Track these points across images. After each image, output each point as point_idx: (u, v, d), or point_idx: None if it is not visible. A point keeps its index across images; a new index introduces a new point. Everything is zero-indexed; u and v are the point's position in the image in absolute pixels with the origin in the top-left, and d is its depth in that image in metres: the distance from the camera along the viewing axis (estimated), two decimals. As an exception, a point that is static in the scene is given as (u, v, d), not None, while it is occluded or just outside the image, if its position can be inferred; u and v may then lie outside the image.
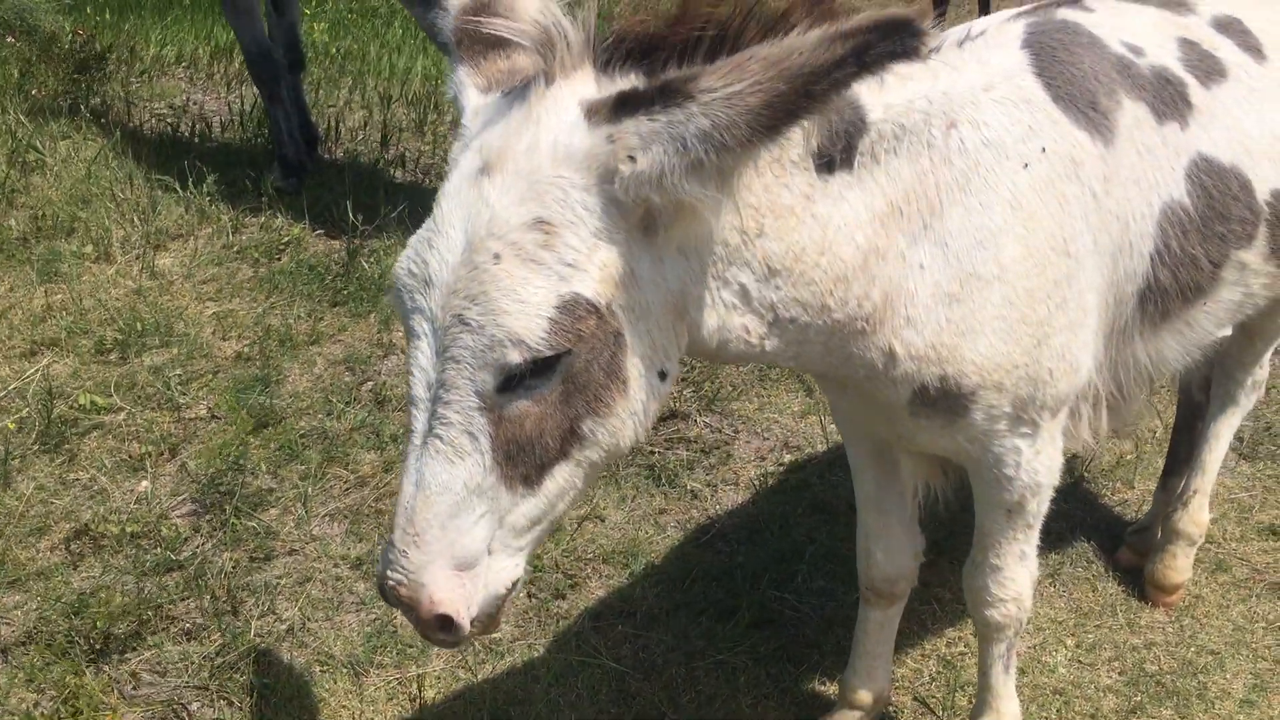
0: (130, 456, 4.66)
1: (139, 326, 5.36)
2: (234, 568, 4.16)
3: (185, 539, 4.27)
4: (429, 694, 3.74)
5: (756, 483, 4.70)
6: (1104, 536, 4.44)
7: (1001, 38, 2.71)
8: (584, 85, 2.06)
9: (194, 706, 3.66)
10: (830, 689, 3.76)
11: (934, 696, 3.78)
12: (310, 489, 4.52)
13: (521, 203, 2.00)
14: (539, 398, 2.05)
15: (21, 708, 3.51)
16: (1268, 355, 3.90)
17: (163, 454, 4.69)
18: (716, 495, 4.66)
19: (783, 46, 1.92)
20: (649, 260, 2.12)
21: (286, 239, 6.22)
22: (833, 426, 4.99)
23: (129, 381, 5.06)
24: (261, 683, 3.73)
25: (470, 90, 2.20)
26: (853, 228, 2.32)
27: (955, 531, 4.25)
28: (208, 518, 4.39)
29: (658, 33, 2.08)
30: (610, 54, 2.08)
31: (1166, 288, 2.79)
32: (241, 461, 4.61)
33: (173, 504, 4.45)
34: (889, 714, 3.64)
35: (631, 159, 1.97)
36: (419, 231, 2.11)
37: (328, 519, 4.45)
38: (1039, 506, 2.91)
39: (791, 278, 2.29)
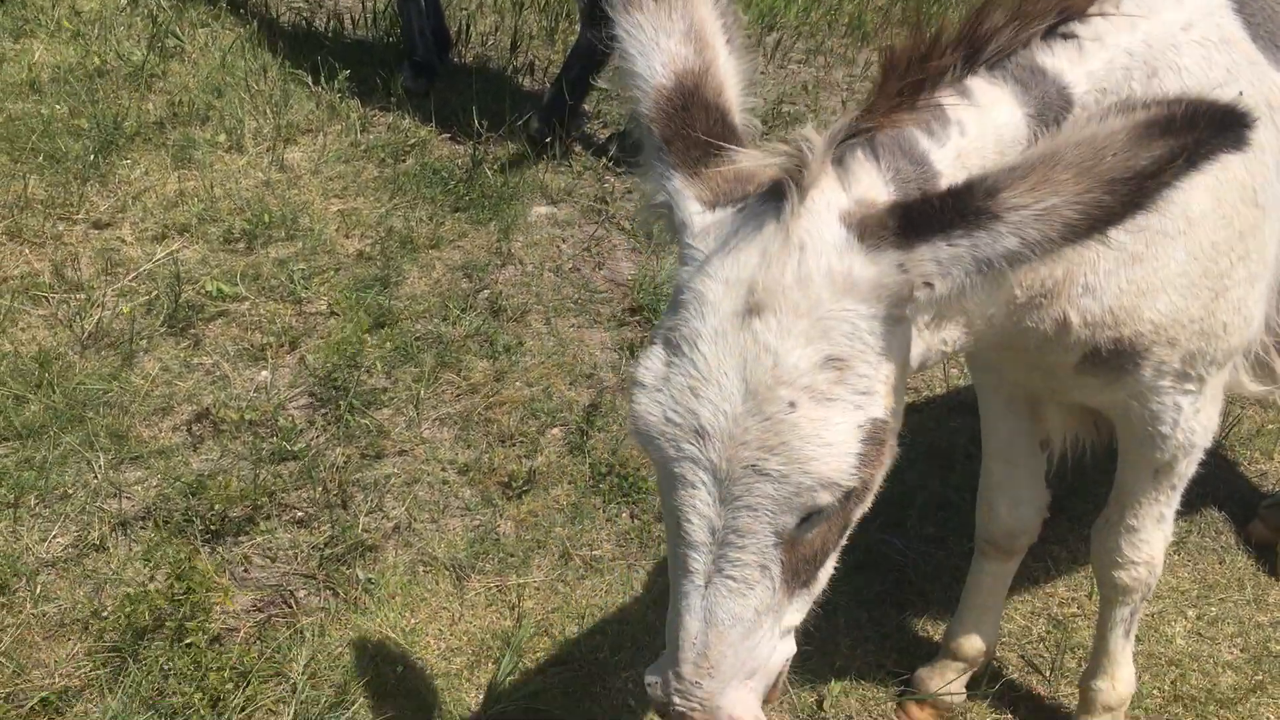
0: (252, 345, 4.73)
1: (266, 218, 5.41)
2: (345, 463, 4.21)
3: (300, 430, 4.34)
4: (528, 603, 3.76)
5: (871, 421, 4.58)
6: (1237, 507, 4.24)
7: None
8: (831, 191, 1.89)
9: (301, 594, 3.74)
10: (933, 636, 3.67)
11: (1041, 656, 3.67)
12: (423, 392, 4.55)
13: (809, 343, 1.84)
14: (832, 518, 1.98)
15: (138, 581, 3.61)
16: None
17: (283, 345, 4.75)
18: (829, 431, 4.55)
19: (1089, 145, 1.74)
20: (902, 340, 2.00)
21: (413, 141, 6.20)
22: (955, 370, 4.83)
23: (254, 272, 5.12)
24: (366, 577, 3.78)
25: (691, 204, 1.97)
26: None
27: (1078, 489, 4.09)
28: (323, 411, 4.44)
29: (872, 104, 1.93)
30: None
31: None
32: (358, 359, 4.65)
33: (290, 395, 4.51)
34: (993, 670, 3.54)
35: (929, 285, 1.84)
36: (662, 369, 1.93)
37: (438, 423, 4.48)
38: (1188, 468, 2.79)
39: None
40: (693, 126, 1.99)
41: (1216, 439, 4.49)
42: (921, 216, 1.82)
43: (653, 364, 1.95)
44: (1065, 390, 2.71)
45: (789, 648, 2.14)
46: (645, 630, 3.70)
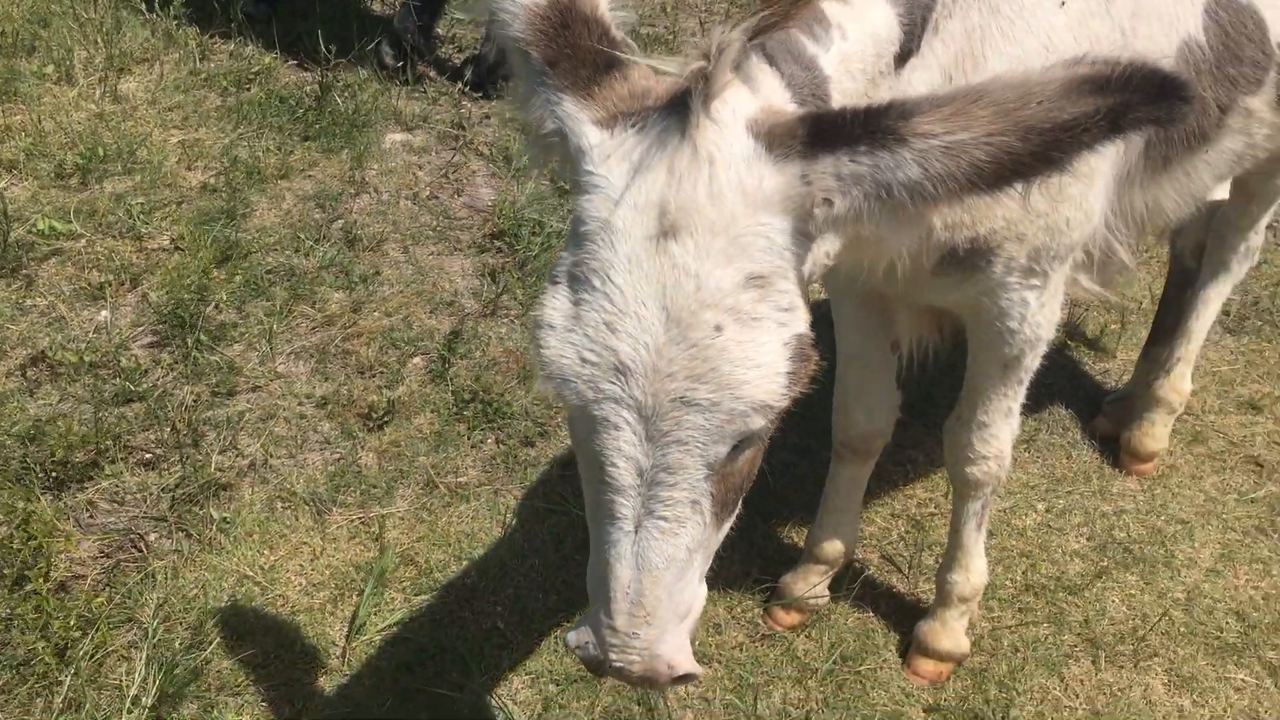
0: (89, 285, 4.51)
1: (100, 152, 5.13)
2: (195, 401, 4.06)
3: (145, 370, 4.16)
4: (392, 534, 3.70)
5: (734, 338, 4.60)
6: (1082, 405, 4.39)
7: None
8: (735, 99, 1.79)
9: (151, 537, 3.60)
10: (797, 543, 3.73)
11: (901, 555, 3.77)
12: (275, 325, 4.40)
13: (729, 262, 1.75)
14: (758, 440, 1.91)
15: (-27, 531, 3.44)
16: (1264, 221, 3.79)
17: (123, 284, 4.54)
18: (692, 348, 4.56)
19: (1018, 89, 1.68)
20: (807, 261, 1.93)
21: (256, 68, 5.95)
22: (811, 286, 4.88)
23: (89, 208, 4.87)
24: (221, 517, 3.67)
25: (586, 127, 1.84)
26: None
27: (931, 395, 4.19)
28: (169, 350, 4.27)
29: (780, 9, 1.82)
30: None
31: (1172, 133, 2.66)
32: (205, 295, 4.47)
33: (133, 334, 4.32)
34: (855, 570, 3.62)
35: (829, 202, 1.77)
36: (569, 307, 1.82)
37: (293, 357, 4.34)
38: (1033, 361, 2.87)
39: None
40: (577, 44, 1.87)
41: (1060, 337, 4.65)
42: (831, 128, 1.75)
43: (559, 303, 1.84)
44: (919, 293, 2.74)
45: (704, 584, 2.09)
46: (513, 554, 3.68)
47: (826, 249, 2.19)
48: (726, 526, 2.03)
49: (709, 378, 1.76)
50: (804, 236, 1.82)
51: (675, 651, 1.96)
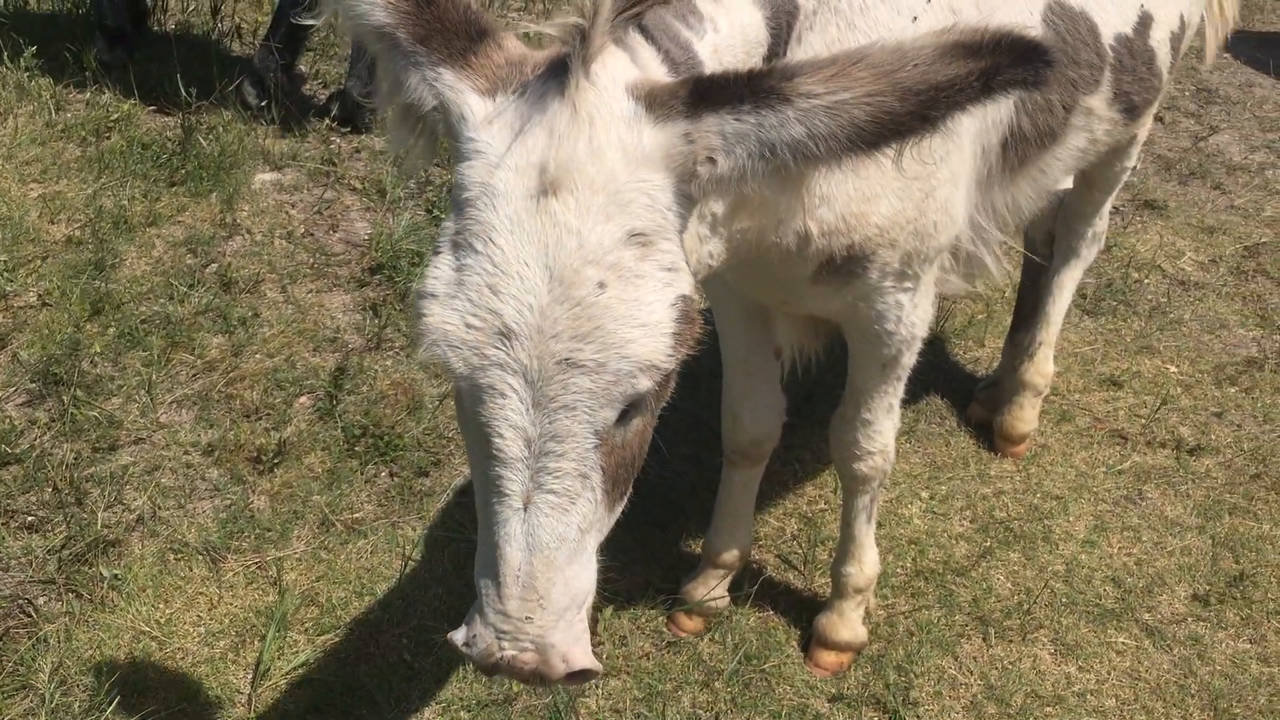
0: (-46, 348, 4.37)
1: (-44, 211, 4.98)
2: (76, 459, 3.96)
3: (20, 431, 4.05)
4: (290, 575, 3.66)
5: (619, 354, 4.67)
6: (956, 394, 4.58)
7: None
8: (614, 65, 1.82)
9: (40, 601, 3.51)
10: (695, 550, 3.81)
11: (796, 553, 3.88)
12: (154, 375, 4.32)
13: (609, 219, 1.76)
14: (646, 409, 1.89)
15: None
16: (1107, 206, 4.02)
17: (-10, 344, 4.41)
18: (579, 367, 4.62)
19: (895, 52, 1.73)
20: (691, 230, 1.97)
21: (115, 116, 5.83)
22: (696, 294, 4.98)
23: (-53, 269, 4.72)
24: (112, 574, 3.59)
25: (468, 95, 1.84)
26: None
27: (815, 395, 4.32)
28: (44, 408, 4.16)
29: None
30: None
31: (1026, 134, 2.83)
32: (78, 349, 4.36)
33: (5, 395, 4.20)
34: (752, 571, 3.72)
35: (712, 161, 1.79)
36: (452, 274, 1.80)
37: (175, 406, 4.27)
38: (910, 359, 2.98)
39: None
40: (444, 18, 1.87)
41: (932, 331, 4.84)
42: (715, 89, 1.78)
43: (441, 271, 1.82)
44: (798, 301, 2.84)
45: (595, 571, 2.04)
46: (415, 585, 3.68)
47: (710, 249, 2.26)
48: (618, 510, 2.01)
49: (594, 337, 1.75)
50: (686, 198, 1.85)
51: (571, 643, 1.91)
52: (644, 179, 1.79)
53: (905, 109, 1.73)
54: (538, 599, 1.86)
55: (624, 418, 1.86)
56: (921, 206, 2.58)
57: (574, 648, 1.90)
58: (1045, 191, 3.19)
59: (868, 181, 2.45)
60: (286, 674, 3.36)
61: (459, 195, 1.84)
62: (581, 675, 1.94)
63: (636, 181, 1.78)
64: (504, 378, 1.79)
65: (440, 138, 1.98)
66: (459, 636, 1.95)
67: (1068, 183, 3.87)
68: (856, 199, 2.45)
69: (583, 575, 1.92)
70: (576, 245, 1.75)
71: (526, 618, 1.86)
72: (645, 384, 1.80)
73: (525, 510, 1.84)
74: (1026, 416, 4.22)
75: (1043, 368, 4.19)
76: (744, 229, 2.30)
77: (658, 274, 1.79)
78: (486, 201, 1.79)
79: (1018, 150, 2.87)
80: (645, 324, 1.77)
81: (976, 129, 2.71)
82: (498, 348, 1.78)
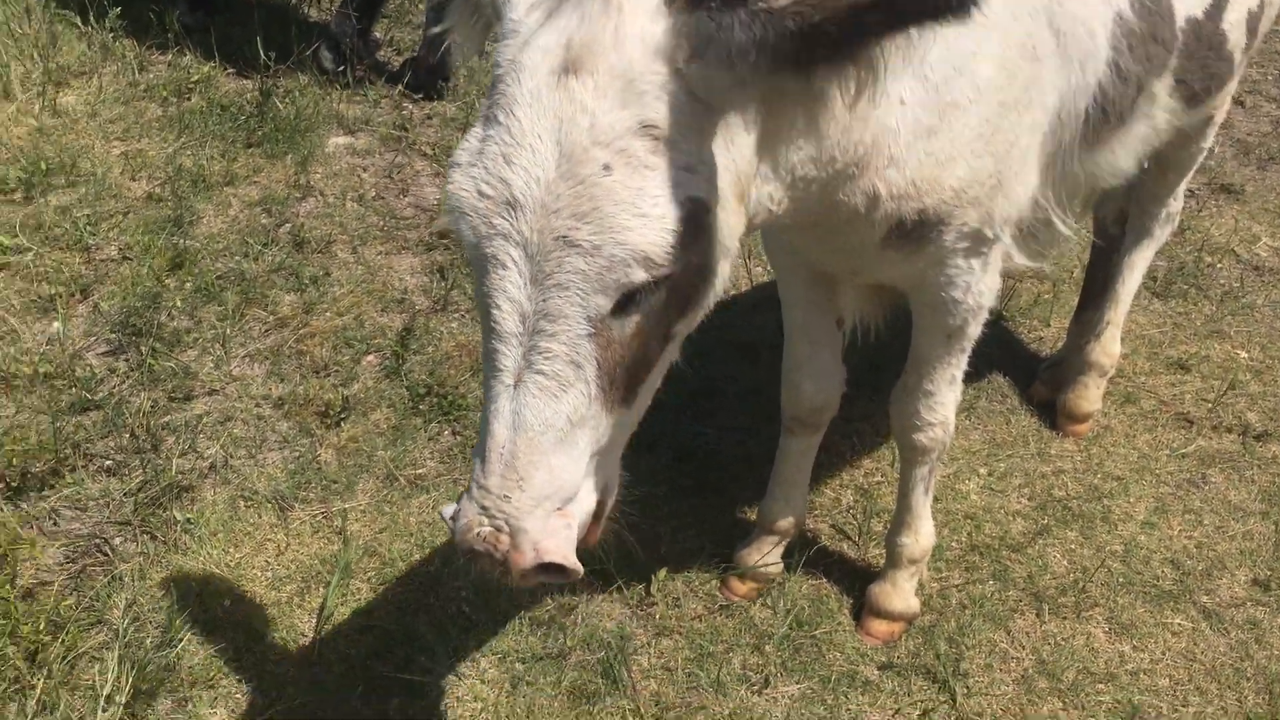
0: (40, 297, 4.52)
1: (43, 166, 5.14)
2: (153, 407, 4.10)
3: (101, 379, 4.19)
4: (354, 526, 3.76)
5: (681, 323, 4.70)
6: (1020, 372, 4.55)
7: None
8: None
9: (116, 541, 3.64)
10: (750, 516, 3.85)
11: (850, 523, 3.90)
12: (229, 330, 4.44)
13: (625, 105, 1.81)
14: (647, 311, 1.91)
15: (-63, 543, 3.46)
16: (1181, 188, 3.96)
17: (73, 295, 4.56)
18: (641, 335, 4.66)
19: None
20: (723, 147, 2.00)
21: (196, 77, 5.97)
22: (759, 268, 5.00)
23: (35, 222, 4.88)
24: (185, 518, 3.71)
25: None
26: None
27: (876, 366, 4.32)
28: (124, 358, 4.30)
29: None
30: None
31: (1106, 106, 2.79)
32: (157, 302, 4.50)
33: (86, 344, 4.35)
34: (805, 539, 3.75)
35: (691, 58, 1.84)
36: (478, 144, 1.88)
37: (248, 359, 4.39)
38: (976, 329, 2.96)
39: (811, 135, 2.21)
40: None
41: (997, 310, 4.81)
42: None
43: (470, 142, 1.91)
44: (866, 268, 2.82)
45: (610, 484, 2.07)
46: (474, 540, 3.75)
47: (770, 191, 2.20)
48: (625, 420, 2.01)
49: (592, 217, 1.79)
50: (700, 102, 1.88)
51: (544, 534, 1.91)
52: (657, 71, 1.84)
53: (823, 20, 1.76)
54: (517, 479, 1.90)
55: (620, 311, 1.89)
56: (1004, 159, 2.55)
57: (547, 539, 1.92)
58: (1116, 170, 3.15)
59: (941, 145, 2.43)
60: (348, 620, 3.46)
61: (494, 73, 1.92)
62: (555, 571, 1.95)
63: (651, 74, 1.84)
64: (506, 248, 1.85)
65: (492, 25, 2.06)
66: (448, 511, 2.01)
67: (1145, 162, 3.81)
68: (929, 163, 2.44)
69: (569, 469, 1.94)
70: (589, 125, 1.81)
71: (505, 496, 1.90)
72: (640, 276, 1.84)
73: (515, 389, 1.89)
74: (1091, 396, 4.18)
75: (1109, 348, 4.15)
76: (805, 177, 2.28)
77: (668, 170, 1.84)
78: (514, 77, 1.87)
79: (1096, 124, 2.84)
80: (646, 215, 1.81)
81: (1064, 85, 2.67)
82: (503, 217, 1.84)
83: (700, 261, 1.96)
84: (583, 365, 1.89)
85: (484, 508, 1.92)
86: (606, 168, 1.80)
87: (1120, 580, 3.72)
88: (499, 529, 1.92)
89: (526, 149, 1.82)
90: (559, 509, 1.96)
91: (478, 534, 1.93)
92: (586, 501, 2.03)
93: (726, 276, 2.13)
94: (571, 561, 1.96)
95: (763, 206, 2.25)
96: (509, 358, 1.89)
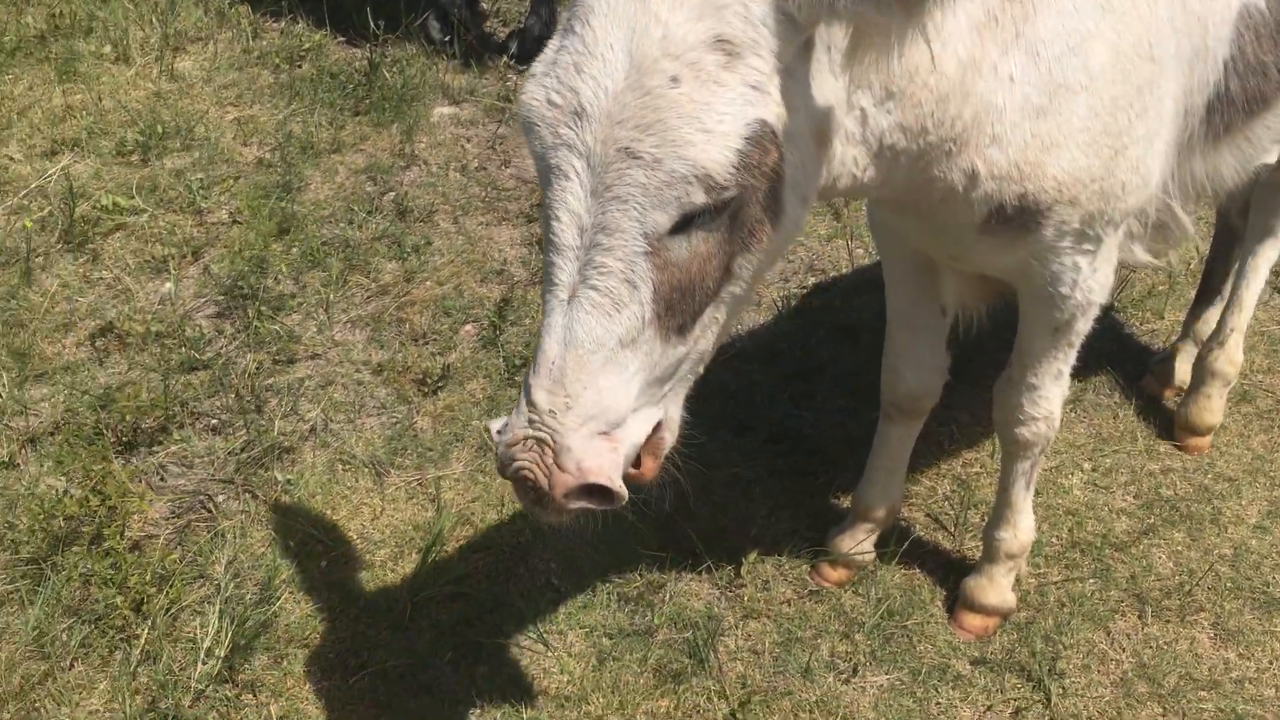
0: (153, 258, 4.65)
1: (159, 129, 5.28)
2: (257, 369, 4.19)
3: (209, 339, 4.30)
4: (448, 494, 3.80)
5: (779, 304, 4.66)
6: (1130, 365, 4.40)
7: None
8: None
9: (220, 499, 3.74)
10: (844, 502, 3.80)
11: (946, 513, 3.82)
12: (332, 295, 4.52)
13: (699, 18, 1.79)
14: (707, 237, 1.88)
15: (50, 494, 3.58)
16: (1311, 184, 3.77)
17: (185, 256, 4.68)
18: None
19: None
20: (804, 82, 1.95)
21: (307, 45, 6.06)
22: (860, 250, 4.92)
23: (150, 184, 5.01)
24: (285, 479, 3.79)
25: None
26: (956, 39, 2.18)
27: (979, 354, 4.22)
28: (231, 320, 4.40)
29: None
30: None
31: (1234, 98, 2.67)
32: (264, 266, 4.59)
33: (196, 305, 4.46)
34: (901, 528, 3.68)
35: None
36: (553, 54, 1.88)
37: (349, 325, 4.46)
38: (1085, 325, 2.86)
39: (903, 101, 2.16)
40: None
41: (1110, 299, 4.67)
42: None
43: (547, 53, 1.91)
44: (967, 255, 2.74)
45: (657, 414, 2.02)
46: (565, 513, 3.77)
47: (854, 154, 2.16)
48: (683, 355, 1.95)
49: (656, 129, 1.76)
50: (787, 17, 1.84)
51: (588, 454, 1.86)
52: None
53: None
54: (565, 396, 1.85)
55: (679, 231, 1.85)
56: (1110, 165, 2.46)
57: (590, 459, 1.87)
58: (1249, 163, 3.01)
59: (1049, 128, 2.35)
60: (440, 585, 3.50)
61: None
62: (599, 494, 1.91)
63: None
64: (570, 159, 1.83)
65: None
66: (495, 424, 1.99)
67: (1274, 155, 3.65)
68: (1034, 145, 2.35)
69: (619, 392, 1.89)
70: (661, 35, 1.78)
71: (551, 412, 1.85)
72: (699, 196, 1.80)
73: (569, 304, 1.86)
74: (1214, 407, 3.99)
75: (1234, 356, 3.95)
76: (894, 146, 2.21)
77: (739, 87, 1.80)
78: None
79: (1224, 115, 2.71)
80: (710, 130, 1.78)
81: (1179, 87, 2.58)
82: (570, 127, 1.82)
83: (765, 191, 1.91)
84: (638, 285, 1.86)
85: (530, 420, 1.88)
86: (674, 80, 1.78)
87: (1228, 585, 3.59)
88: (543, 444, 1.87)
89: (598, 58, 1.81)
90: (605, 433, 1.91)
91: (522, 447, 1.89)
92: (637, 431, 1.97)
93: (798, 223, 2.08)
94: (617, 484, 1.91)
95: (846, 169, 2.19)
96: (565, 272, 1.87)
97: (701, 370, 2.15)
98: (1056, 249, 2.60)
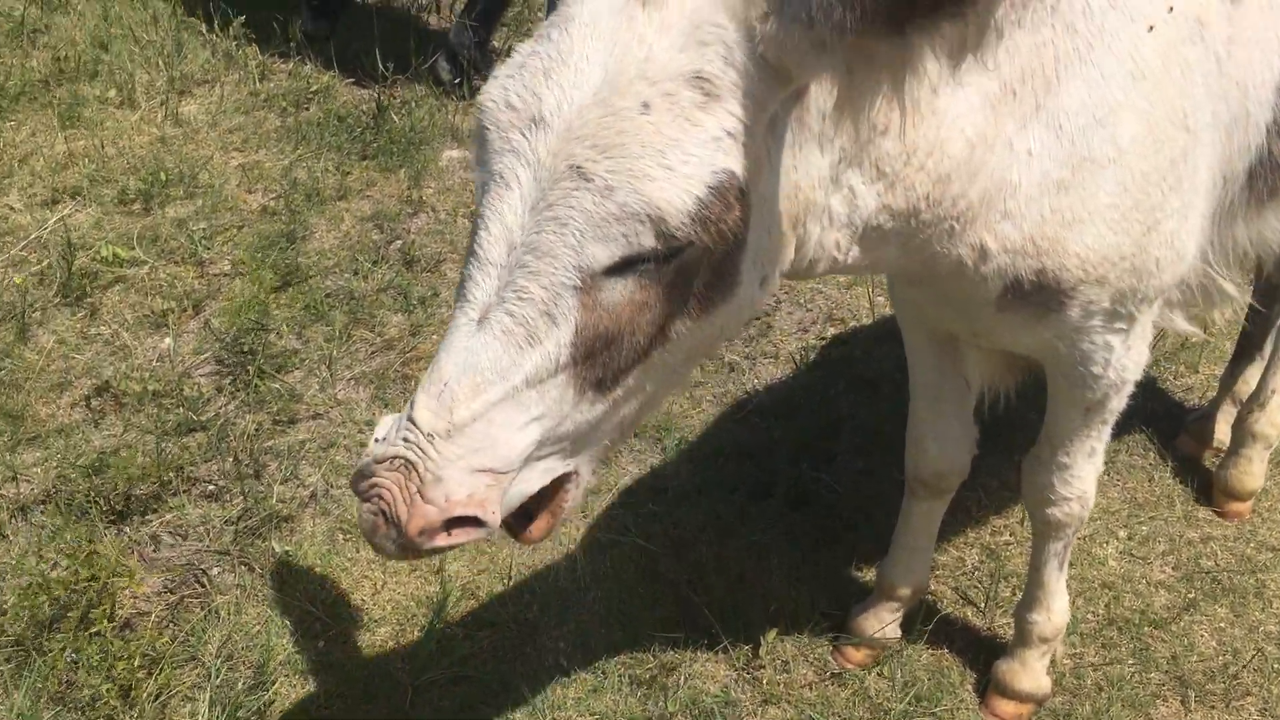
0: (153, 312, 4.52)
1: (163, 176, 5.16)
2: (257, 430, 4.04)
3: (208, 399, 4.16)
4: (453, 567, 3.64)
5: (797, 356, 4.50)
6: (1164, 423, 4.22)
7: None
8: None
9: (214, 572, 3.59)
10: (867, 574, 3.62)
11: (975, 586, 3.64)
12: (335, 351, 4.38)
13: (683, 49, 1.68)
14: (646, 287, 1.72)
15: (38, 570, 3.44)
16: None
17: (185, 310, 4.55)
18: (755, 368, 4.47)
19: None
20: (787, 145, 1.83)
21: (315, 87, 5.95)
22: (881, 298, 4.76)
23: (152, 234, 4.89)
24: (283, 550, 3.64)
25: None
26: (965, 118, 2.03)
27: (1009, 421, 4.04)
28: (230, 378, 4.26)
29: None
30: None
31: (1278, 162, 2.50)
32: (265, 321, 4.45)
33: (195, 362, 4.32)
34: (928, 604, 3.50)
35: (764, 18, 1.67)
36: (522, 58, 1.76)
37: (353, 382, 4.32)
38: (1119, 404, 2.70)
39: (894, 183, 2.02)
40: None
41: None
42: None
43: (516, 57, 1.80)
44: (987, 332, 2.58)
45: (569, 484, 1.86)
46: (575, 586, 3.61)
47: (836, 238, 2.02)
48: (597, 417, 1.79)
49: (614, 153, 1.65)
50: (769, 65, 1.71)
51: (460, 485, 1.68)
52: (723, 25, 1.69)
53: None
54: (450, 422, 1.68)
55: (617, 272, 1.70)
56: (1142, 241, 2.29)
57: (460, 487, 1.69)
58: None
59: (1071, 203, 2.19)
60: (444, 667, 3.34)
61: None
62: (464, 526, 1.72)
63: (717, 26, 1.69)
64: (515, 166, 1.70)
65: None
66: (380, 431, 1.79)
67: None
68: (1053, 221, 2.19)
69: (513, 435, 1.71)
70: (643, 57, 1.68)
71: (431, 435, 1.68)
72: (648, 239, 1.67)
73: (479, 325, 1.70)
74: (1255, 471, 3.79)
75: (1275, 418, 3.75)
76: (880, 227, 2.06)
77: (712, 130, 1.68)
78: (578, 1, 1.75)
79: (1267, 180, 2.55)
80: (673, 169, 1.66)
81: (1217, 155, 2.42)
82: (523, 134, 1.70)
83: (721, 253, 1.76)
84: (558, 321, 1.70)
85: (405, 440, 1.70)
86: (646, 105, 1.66)
87: (1276, 667, 3.39)
88: (412, 468, 1.69)
89: (570, 67, 1.70)
90: (487, 472, 1.72)
91: (388, 465, 1.69)
92: (531, 480, 1.80)
93: (752, 301, 1.92)
94: (488, 513, 1.72)
95: (826, 255, 2.05)
96: (482, 289, 1.70)
97: (623, 443, 1.97)
98: (1085, 329, 2.44)
